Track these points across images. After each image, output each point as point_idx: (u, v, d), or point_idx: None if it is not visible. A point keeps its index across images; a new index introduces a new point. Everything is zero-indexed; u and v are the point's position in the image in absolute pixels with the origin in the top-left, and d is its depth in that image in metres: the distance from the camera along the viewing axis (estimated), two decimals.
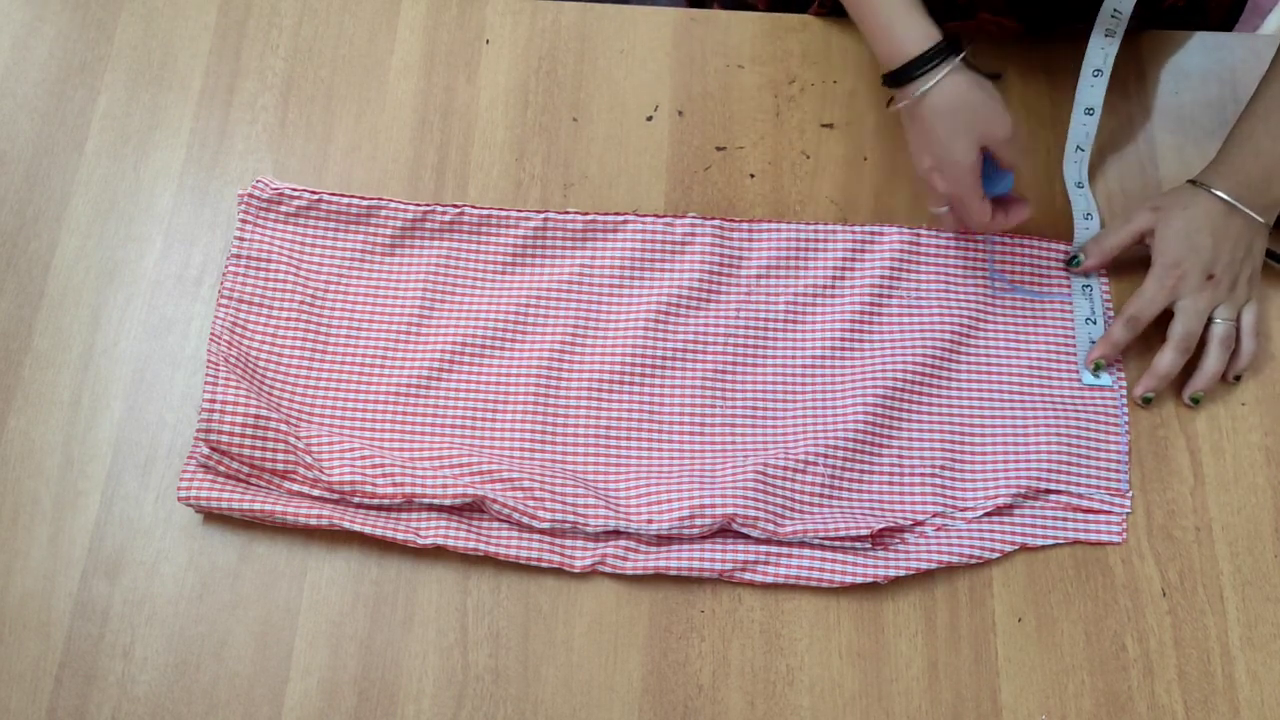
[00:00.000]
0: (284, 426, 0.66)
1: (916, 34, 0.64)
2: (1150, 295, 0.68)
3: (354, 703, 0.62)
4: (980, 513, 0.66)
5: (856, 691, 0.63)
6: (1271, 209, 0.68)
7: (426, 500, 0.64)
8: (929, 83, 0.63)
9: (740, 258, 0.72)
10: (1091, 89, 0.72)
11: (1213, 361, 0.68)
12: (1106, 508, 0.66)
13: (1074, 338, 0.70)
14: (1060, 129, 0.75)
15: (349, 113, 0.77)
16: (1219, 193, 0.67)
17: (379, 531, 0.64)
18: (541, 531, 0.65)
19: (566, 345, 0.70)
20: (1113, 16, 0.69)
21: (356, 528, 0.64)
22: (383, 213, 0.73)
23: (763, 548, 0.65)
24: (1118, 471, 0.67)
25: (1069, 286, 0.72)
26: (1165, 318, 0.69)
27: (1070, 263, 0.71)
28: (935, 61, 0.63)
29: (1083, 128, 0.73)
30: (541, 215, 0.73)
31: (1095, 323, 0.70)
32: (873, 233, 0.73)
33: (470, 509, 0.65)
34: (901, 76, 0.64)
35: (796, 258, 0.72)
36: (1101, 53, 0.71)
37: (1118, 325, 0.68)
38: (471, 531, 0.65)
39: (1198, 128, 0.77)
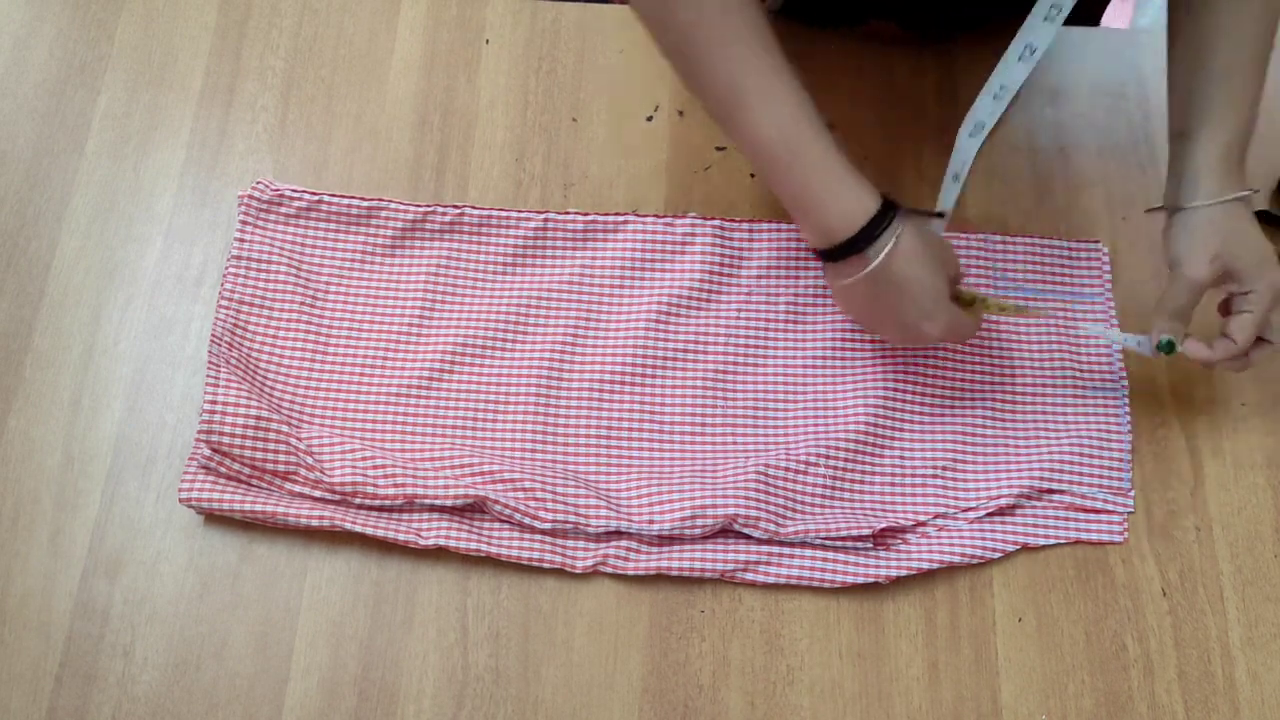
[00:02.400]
0: (285, 428, 0.66)
1: (866, 197, 0.58)
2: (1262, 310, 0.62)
3: (354, 703, 0.62)
4: (983, 513, 0.66)
5: (856, 691, 0.63)
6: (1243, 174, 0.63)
7: (428, 501, 0.64)
8: (889, 241, 0.58)
9: (740, 258, 0.72)
10: (1015, 68, 0.63)
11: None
12: (1109, 507, 0.66)
13: (1077, 336, 0.70)
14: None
15: (349, 113, 0.77)
16: (1237, 194, 0.62)
17: (380, 532, 0.64)
18: (543, 532, 0.65)
19: (567, 346, 0.70)
20: (1052, 7, 0.61)
21: (358, 528, 0.64)
22: (383, 214, 0.73)
23: (764, 548, 0.65)
24: (1121, 470, 0.67)
25: (1071, 285, 0.72)
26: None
27: (1167, 350, 0.64)
28: (889, 218, 0.58)
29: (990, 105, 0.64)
30: (542, 216, 0.73)
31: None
32: None
33: (472, 510, 0.65)
34: (855, 245, 0.58)
35: (797, 258, 0.72)
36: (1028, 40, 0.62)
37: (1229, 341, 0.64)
38: (473, 532, 0.64)
39: None
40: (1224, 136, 0.62)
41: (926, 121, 0.77)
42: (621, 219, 0.73)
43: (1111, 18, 1.34)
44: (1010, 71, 0.61)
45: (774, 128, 0.58)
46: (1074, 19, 0.64)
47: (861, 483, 0.67)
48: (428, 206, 0.73)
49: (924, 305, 0.60)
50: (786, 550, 0.65)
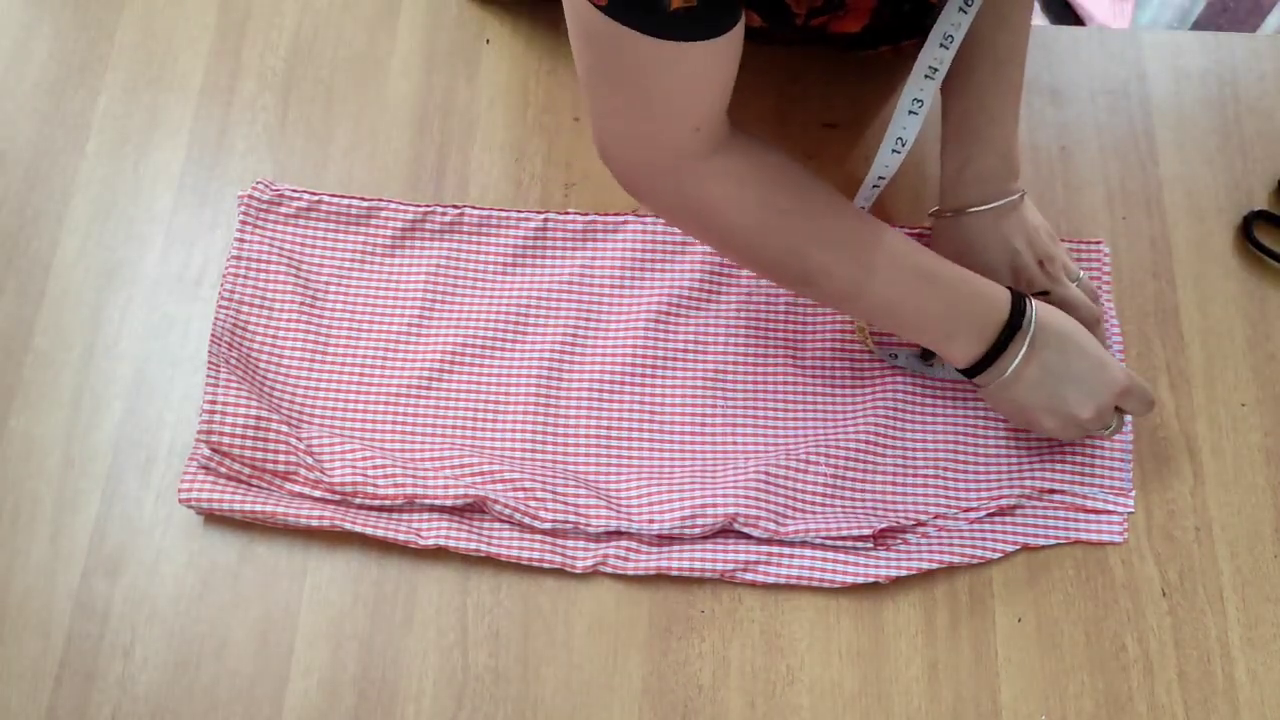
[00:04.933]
0: (285, 428, 0.66)
1: (992, 283, 0.60)
2: None
3: (354, 702, 0.62)
4: (983, 513, 0.66)
5: (856, 691, 0.63)
6: (1015, 176, 0.66)
7: (428, 501, 0.64)
8: (1033, 306, 0.59)
9: None
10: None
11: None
12: (1109, 507, 0.66)
13: None
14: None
15: (349, 113, 0.77)
16: (980, 208, 0.65)
17: (380, 532, 0.64)
18: (543, 532, 0.65)
19: (567, 346, 0.70)
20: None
21: (358, 528, 0.64)
22: (383, 214, 0.73)
23: (764, 548, 0.65)
24: (1121, 471, 0.67)
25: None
26: None
27: (925, 357, 0.68)
28: (1026, 300, 0.59)
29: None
30: (542, 216, 0.73)
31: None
32: None
33: (471, 510, 0.65)
34: (1013, 325, 0.59)
35: None
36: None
37: None
38: (473, 532, 0.65)
39: (1198, 128, 0.77)
40: (964, 154, 0.66)
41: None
42: (621, 219, 0.73)
43: (1111, 17, 1.34)
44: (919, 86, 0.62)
45: (905, 267, 0.60)
46: None
47: (862, 482, 0.67)
48: (427, 206, 0.73)
49: (1098, 364, 0.60)
50: (786, 550, 0.65)
